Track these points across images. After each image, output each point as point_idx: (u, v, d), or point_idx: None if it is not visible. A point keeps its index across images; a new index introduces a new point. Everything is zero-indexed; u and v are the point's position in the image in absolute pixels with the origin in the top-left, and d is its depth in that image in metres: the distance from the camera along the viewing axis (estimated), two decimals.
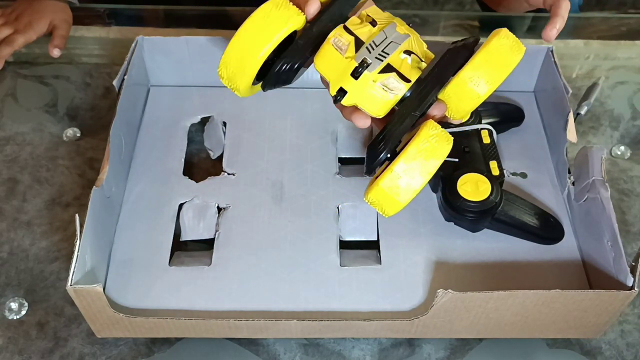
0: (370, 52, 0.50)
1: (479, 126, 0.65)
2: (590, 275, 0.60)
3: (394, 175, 0.49)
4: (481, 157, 0.63)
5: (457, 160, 0.62)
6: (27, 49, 0.81)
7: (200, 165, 0.71)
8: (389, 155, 0.51)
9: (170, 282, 0.59)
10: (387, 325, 0.55)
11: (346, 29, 0.52)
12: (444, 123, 0.62)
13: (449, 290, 0.51)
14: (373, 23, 0.52)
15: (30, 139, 0.73)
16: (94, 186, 0.56)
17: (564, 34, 0.64)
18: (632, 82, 0.81)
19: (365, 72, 0.50)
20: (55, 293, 0.60)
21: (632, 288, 0.52)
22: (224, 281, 0.59)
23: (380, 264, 0.60)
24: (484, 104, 0.70)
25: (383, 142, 0.51)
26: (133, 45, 0.69)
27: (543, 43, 0.64)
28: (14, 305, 0.59)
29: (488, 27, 0.93)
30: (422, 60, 0.52)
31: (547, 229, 0.62)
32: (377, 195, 0.51)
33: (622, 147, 0.73)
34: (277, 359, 0.57)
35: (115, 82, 0.65)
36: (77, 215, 0.52)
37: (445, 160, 0.62)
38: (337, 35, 0.51)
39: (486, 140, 0.64)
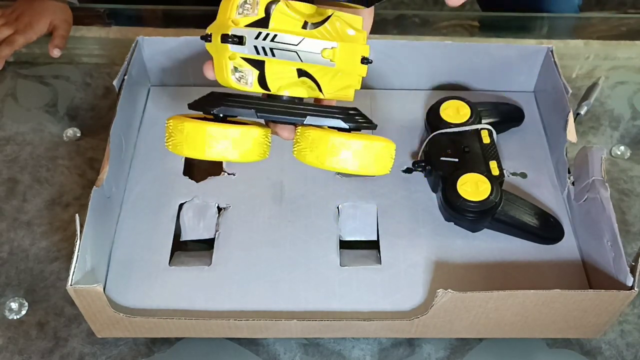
0: (255, 39, 0.45)
1: (479, 126, 0.65)
2: (590, 275, 0.60)
3: (226, 133, 0.47)
4: (481, 157, 0.63)
5: (457, 160, 0.62)
6: (27, 49, 0.81)
7: (200, 165, 0.71)
8: (212, 114, 0.48)
9: (170, 282, 0.59)
10: (387, 325, 0.55)
11: (270, 5, 0.46)
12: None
13: (449, 290, 0.51)
14: (315, 25, 0.47)
15: (30, 139, 0.73)
16: (94, 186, 0.56)
17: (564, 34, 0.64)
18: (632, 82, 0.81)
19: (230, 45, 0.46)
20: (55, 293, 0.60)
21: (632, 288, 0.52)
22: (224, 281, 0.59)
23: (380, 264, 0.60)
24: (484, 104, 0.70)
25: (211, 101, 0.48)
26: (133, 45, 0.69)
27: (543, 43, 0.64)
28: (14, 305, 0.60)
29: (488, 27, 0.93)
30: (316, 90, 0.49)
31: (547, 229, 0.62)
32: (194, 131, 0.47)
33: (622, 147, 0.73)
34: (277, 359, 0.57)
35: (115, 82, 0.65)
36: (77, 215, 0.52)
37: (445, 160, 0.62)
38: (257, 1, 0.46)
39: (486, 140, 0.64)
